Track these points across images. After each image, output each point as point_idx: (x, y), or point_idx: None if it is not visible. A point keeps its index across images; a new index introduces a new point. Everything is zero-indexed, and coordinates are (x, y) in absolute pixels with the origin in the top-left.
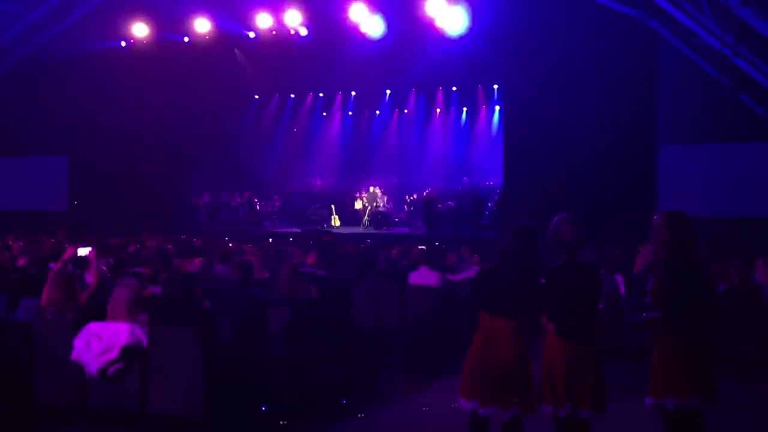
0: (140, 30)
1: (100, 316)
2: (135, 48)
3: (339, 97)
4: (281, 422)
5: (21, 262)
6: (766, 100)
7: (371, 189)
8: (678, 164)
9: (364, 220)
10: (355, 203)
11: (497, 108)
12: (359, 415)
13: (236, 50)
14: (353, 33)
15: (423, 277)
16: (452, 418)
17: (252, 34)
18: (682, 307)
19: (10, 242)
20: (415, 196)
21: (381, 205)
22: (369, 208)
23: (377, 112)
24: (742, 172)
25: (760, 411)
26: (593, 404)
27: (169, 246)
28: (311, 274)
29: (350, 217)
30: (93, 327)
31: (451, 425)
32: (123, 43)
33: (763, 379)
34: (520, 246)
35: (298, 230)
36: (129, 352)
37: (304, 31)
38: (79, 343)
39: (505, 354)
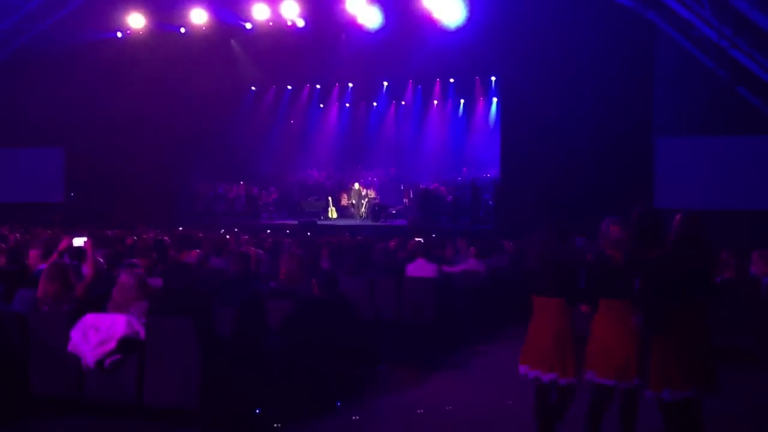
0: (136, 21)
1: (97, 307)
2: (131, 39)
3: (336, 89)
4: (276, 415)
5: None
6: (763, 92)
7: (356, 186)
8: (674, 156)
9: (361, 211)
10: (342, 199)
11: (495, 100)
12: (355, 408)
13: (233, 41)
14: (350, 24)
15: (420, 268)
16: (449, 410)
17: (249, 26)
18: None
19: (7, 233)
20: (414, 189)
21: (375, 197)
22: (365, 200)
23: (374, 103)
24: (738, 164)
25: (757, 401)
26: (634, 376)
27: (165, 237)
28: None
29: (347, 208)
30: (90, 318)
31: (448, 417)
32: (119, 34)
33: (760, 370)
34: (555, 238)
35: (295, 222)
36: (126, 344)
37: (301, 23)
38: (75, 334)
39: (548, 327)
